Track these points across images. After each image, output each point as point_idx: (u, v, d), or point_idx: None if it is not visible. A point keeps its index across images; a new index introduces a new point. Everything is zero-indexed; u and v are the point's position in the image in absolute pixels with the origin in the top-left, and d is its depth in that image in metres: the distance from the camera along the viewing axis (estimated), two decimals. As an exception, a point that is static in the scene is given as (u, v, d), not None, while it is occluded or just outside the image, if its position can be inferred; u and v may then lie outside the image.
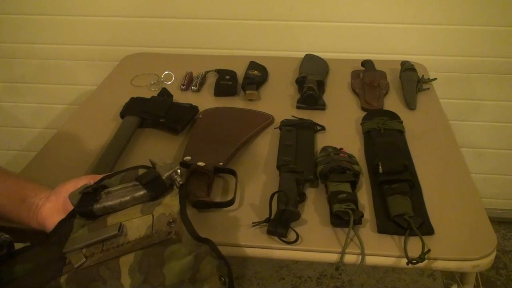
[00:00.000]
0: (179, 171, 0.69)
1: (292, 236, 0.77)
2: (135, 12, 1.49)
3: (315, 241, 0.77)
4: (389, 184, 0.85)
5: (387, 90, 1.22)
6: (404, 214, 0.78)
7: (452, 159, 0.97)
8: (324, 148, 0.96)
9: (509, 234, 1.83)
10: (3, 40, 1.60)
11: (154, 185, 0.67)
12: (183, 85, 1.26)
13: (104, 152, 0.97)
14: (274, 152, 0.97)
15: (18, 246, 0.67)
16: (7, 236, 0.65)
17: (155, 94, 1.19)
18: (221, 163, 0.91)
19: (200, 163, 0.89)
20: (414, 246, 0.75)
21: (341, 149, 0.94)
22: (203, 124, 1.07)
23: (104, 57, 1.58)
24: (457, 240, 0.77)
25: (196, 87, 1.25)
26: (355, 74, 1.29)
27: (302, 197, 0.85)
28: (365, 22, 1.43)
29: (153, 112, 1.09)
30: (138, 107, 1.11)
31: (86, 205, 0.66)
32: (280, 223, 0.77)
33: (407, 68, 1.28)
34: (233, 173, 0.90)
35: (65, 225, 0.66)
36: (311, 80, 1.19)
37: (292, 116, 1.09)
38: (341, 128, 1.07)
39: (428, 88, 1.23)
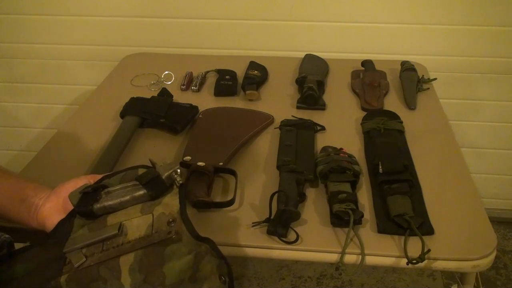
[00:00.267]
0: (179, 170, 0.69)
1: (292, 236, 0.77)
2: (135, 12, 1.49)
3: (315, 241, 0.77)
4: (389, 184, 0.85)
5: (387, 90, 1.22)
6: (404, 214, 0.78)
7: (452, 159, 0.97)
8: (324, 148, 0.96)
9: (509, 234, 1.83)
10: (3, 40, 1.60)
11: (154, 185, 0.67)
12: (183, 85, 1.26)
13: (104, 152, 0.97)
14: (274, 152, 0.97)
15: (18, 246, 0.67)
16: (7, 236, 0.65)
17: (155, 94, 1.19)
18: (221, 163, 0.91)
19: (200, 163, 0.89)
20: (414, 246, 0.75)
21: (341, 149, 0.94)
22: (203, 124, 1.07)
23: (104, 57, 1.58)
24: (457, 240, 0.77)
25: (196, 87, 1.25)
26: (355, 74, 1.29)
27: (302, 197, 0.85)
28: (365, 22, 1.43)
29: (153, 112, 1.09)
30: (138, 107, 1.11)
31: (86, 205, 0.66)
32: (280, 223, 0.77)
33: (407, 68, 1.28)
34: (233, 173, 0.90)
35: (65, 225, 0.66)
36: (311, 80, 1.19)
37: (292, 116, 1.09)
38: (341, 128, 1.07)
39: (428, 88, 1.23)
